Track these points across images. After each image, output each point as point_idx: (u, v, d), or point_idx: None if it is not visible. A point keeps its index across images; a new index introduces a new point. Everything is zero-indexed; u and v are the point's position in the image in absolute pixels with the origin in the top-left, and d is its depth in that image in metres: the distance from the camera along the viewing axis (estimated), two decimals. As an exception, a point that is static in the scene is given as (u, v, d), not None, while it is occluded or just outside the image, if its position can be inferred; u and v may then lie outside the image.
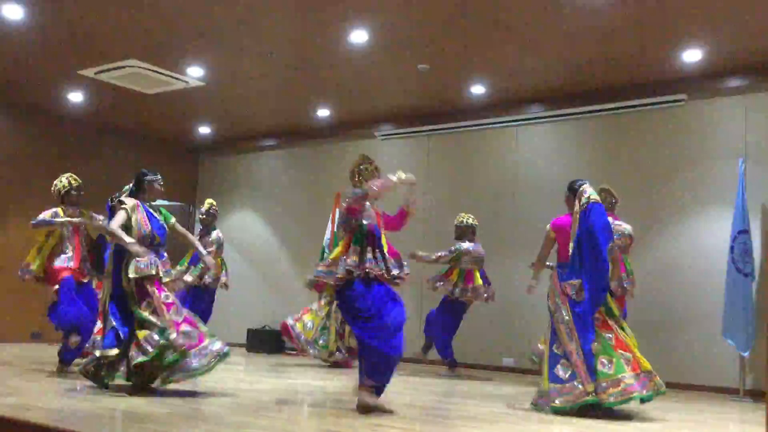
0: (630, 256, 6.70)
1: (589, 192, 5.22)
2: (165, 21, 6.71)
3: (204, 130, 10.88)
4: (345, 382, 6.77)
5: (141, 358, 5.03)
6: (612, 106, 8.08)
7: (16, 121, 9.84)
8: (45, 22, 6.84)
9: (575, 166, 8.33)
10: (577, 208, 5.21)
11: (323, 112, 9.65)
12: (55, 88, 8.93)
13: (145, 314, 5.14)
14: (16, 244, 8.92)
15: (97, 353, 5.22)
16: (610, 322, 5.17)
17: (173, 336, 5.07)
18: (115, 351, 5.14)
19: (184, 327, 5.18)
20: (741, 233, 6.79)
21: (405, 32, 6.77)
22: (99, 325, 5.99)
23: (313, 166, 10.73)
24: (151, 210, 5.54)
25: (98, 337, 5.83)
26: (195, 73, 8.11)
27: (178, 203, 11.39)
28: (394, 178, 4.89)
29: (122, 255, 5.29)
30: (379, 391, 4.75)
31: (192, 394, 5.43)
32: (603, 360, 4.97)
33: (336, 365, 8.28)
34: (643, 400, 5.08)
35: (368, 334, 4.58)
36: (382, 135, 9.89)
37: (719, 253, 7.16)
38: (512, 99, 8.65)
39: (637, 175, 7.95)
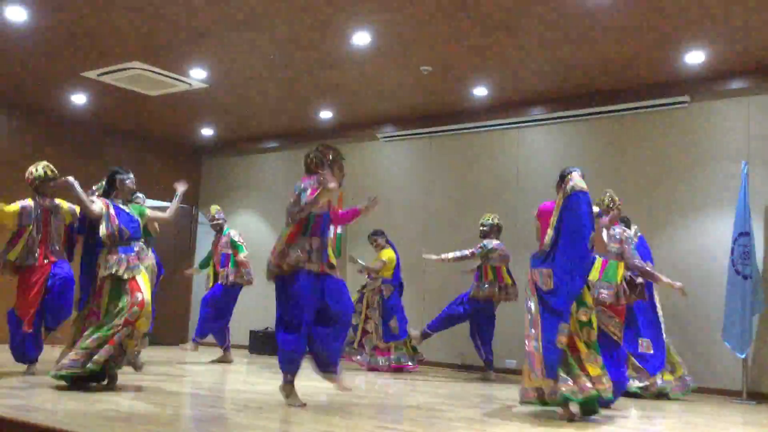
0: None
1: (576, 180, 5.04)
2: (168, 23, 6.72)
3: (206, 131, 10.89)
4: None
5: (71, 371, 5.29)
6: (614, 108, 8.07)
7: (19, 122, 9.86)
8: (48, 24, 6.85)
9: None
10: (561, 195, 5.07)
11: (326, 114, 9.65)
12: (57, 89, 8.95)
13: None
14: (18, 246, 8.91)
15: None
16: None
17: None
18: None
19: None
20: (741, 235, 6.78)
21: (408, 34, 6.78)
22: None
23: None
24: (120, 206, 5.69)
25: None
26: (198, 74, 8.12)
27: (180, 205, 11.40)
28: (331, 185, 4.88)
29: (93, 250, 5.58)
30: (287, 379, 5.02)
31: (194, 395, 5.44)
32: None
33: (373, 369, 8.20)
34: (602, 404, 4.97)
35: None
36: (385, 137, 9.89)
37: (721, 255, 7.15)
38: (515, 101, 8.64)
39: (639, 177, 7.94)
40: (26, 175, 6.47)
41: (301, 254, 4.86)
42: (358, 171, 9.93)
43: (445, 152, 9.48)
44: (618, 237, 5.96)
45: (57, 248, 6.42)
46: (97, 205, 5.61)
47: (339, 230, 9.72)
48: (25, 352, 6.27)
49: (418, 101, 8.88)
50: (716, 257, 7.29)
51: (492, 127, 9.02)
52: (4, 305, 6.61)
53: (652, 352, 6.66)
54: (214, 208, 8.79)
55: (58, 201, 6.50)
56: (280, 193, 11.10)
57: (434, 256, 7.95)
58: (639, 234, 7.07)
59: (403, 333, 8.16)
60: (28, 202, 6.39)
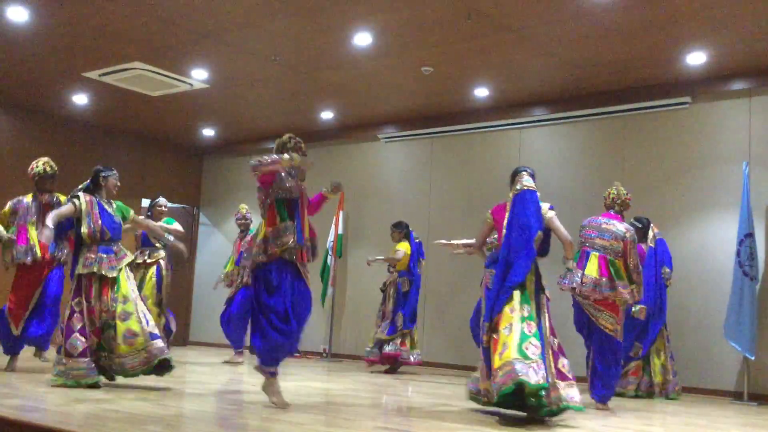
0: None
1: (525, 179, 4.99)
2: (169, 23, 6.72)
3: (208, 132, 10.89)
4: (346, 383, 6.78)
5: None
6: (616, 108, 8.07)
7: (21, 122, 9.87)
8: (49, 24, 6.86)
9: (579, 169, 8.33)
10: (510, 194, 5.02)
11: (327, 115, 9.66)
12: (59, 90, 8.96)
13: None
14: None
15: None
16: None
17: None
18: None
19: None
20: (747, 237, 6.78)
21: (409, 35, 6.78)
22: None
23: (315, 168, 10.61)
24: (104, 206, 5.63)
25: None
26: (199, 75, 8.12)
27: (182, 205, 11.42)
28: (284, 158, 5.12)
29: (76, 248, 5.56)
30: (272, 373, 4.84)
31: (195, 395, 5.44)
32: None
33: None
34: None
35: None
36: (386, 137, 9.89)
37: (724, 257, 7.14)
38: (516, 101, 8.64)
39: (641, 178, 7.93)
40: (28, 170, 6.54)
41: (285, 237, 4.90)
42: (359, 172, 9.93)
43: (446, 153, 9.48)
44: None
45: (58, 247, 6.41)
46: (65, 207, 5.57)
47: (340, 231, 9.71)
48: (14, 345, 6.39)
49: (419, 102, 8.88)
50: (718, 258, 7.29)
51: (493, 128, 9.02)
52: (3, 304, 6.63)
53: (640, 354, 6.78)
54: (244, 208, 8.78)
55: (57, 196, 6.52)
56: (281, 194, 11.09)
57: (444, 241, 7.71)
58: (658, 238, 7.01)
59: (408, 324, 8.00)
60: (22, 198, 6.44)
